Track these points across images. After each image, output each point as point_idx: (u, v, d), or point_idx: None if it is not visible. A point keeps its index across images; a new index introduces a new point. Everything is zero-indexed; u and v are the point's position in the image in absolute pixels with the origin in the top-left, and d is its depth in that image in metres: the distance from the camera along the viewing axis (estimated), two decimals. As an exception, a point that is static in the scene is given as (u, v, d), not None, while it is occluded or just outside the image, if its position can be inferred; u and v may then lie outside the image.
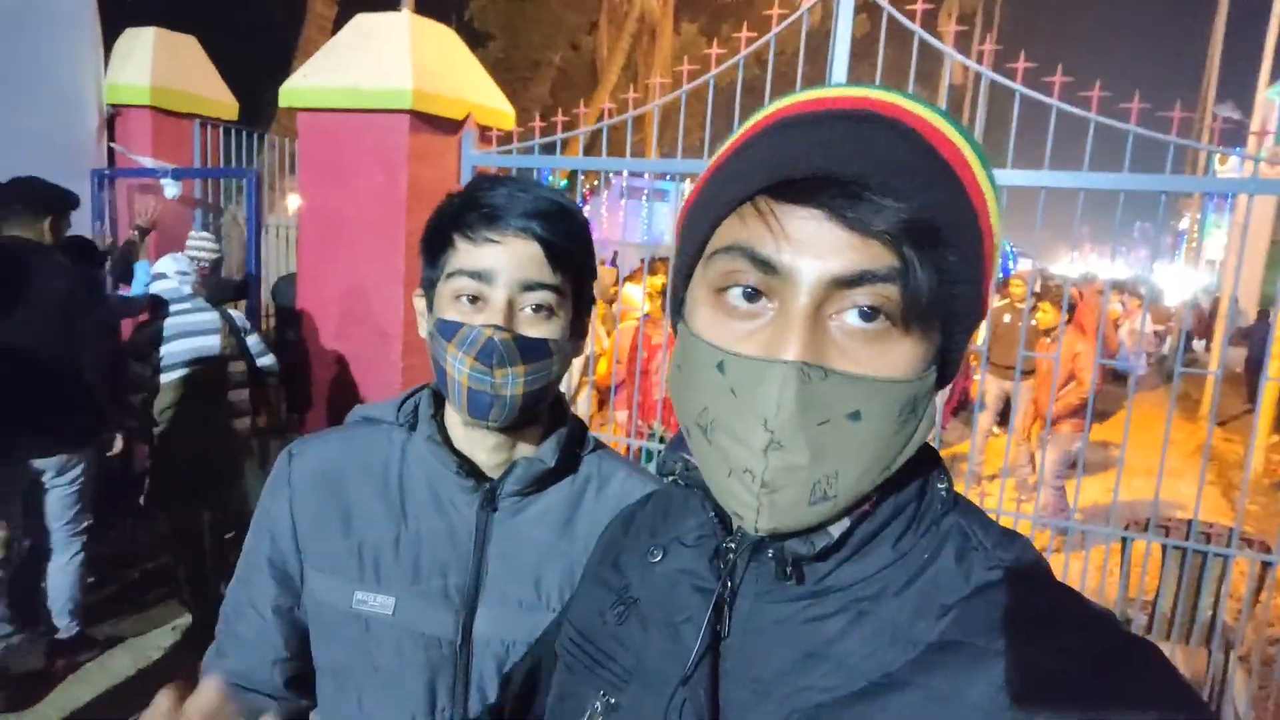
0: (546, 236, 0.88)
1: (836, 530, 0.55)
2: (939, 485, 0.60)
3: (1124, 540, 3.15)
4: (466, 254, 0.89)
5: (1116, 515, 3.06)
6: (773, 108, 0.56)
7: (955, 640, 0.52)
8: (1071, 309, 6.84)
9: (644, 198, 14.57)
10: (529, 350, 0.89)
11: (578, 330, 0.97)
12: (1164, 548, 3.15)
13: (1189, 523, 3.11)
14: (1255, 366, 11.93)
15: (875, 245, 0.50)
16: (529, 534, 0.96)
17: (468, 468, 0.96)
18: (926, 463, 0.60)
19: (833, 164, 0.49)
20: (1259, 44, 12.71)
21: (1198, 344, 15.26)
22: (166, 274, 3.51)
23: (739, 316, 0.54)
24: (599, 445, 1.06)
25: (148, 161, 4.65)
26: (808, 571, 0.58)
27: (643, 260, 3.80)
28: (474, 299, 0.89)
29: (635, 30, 15.05)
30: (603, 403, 5.89)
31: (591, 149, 11.29)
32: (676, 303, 0.62)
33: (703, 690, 0.59)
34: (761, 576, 0.59)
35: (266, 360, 3.72)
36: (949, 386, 0.61)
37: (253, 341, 3.68)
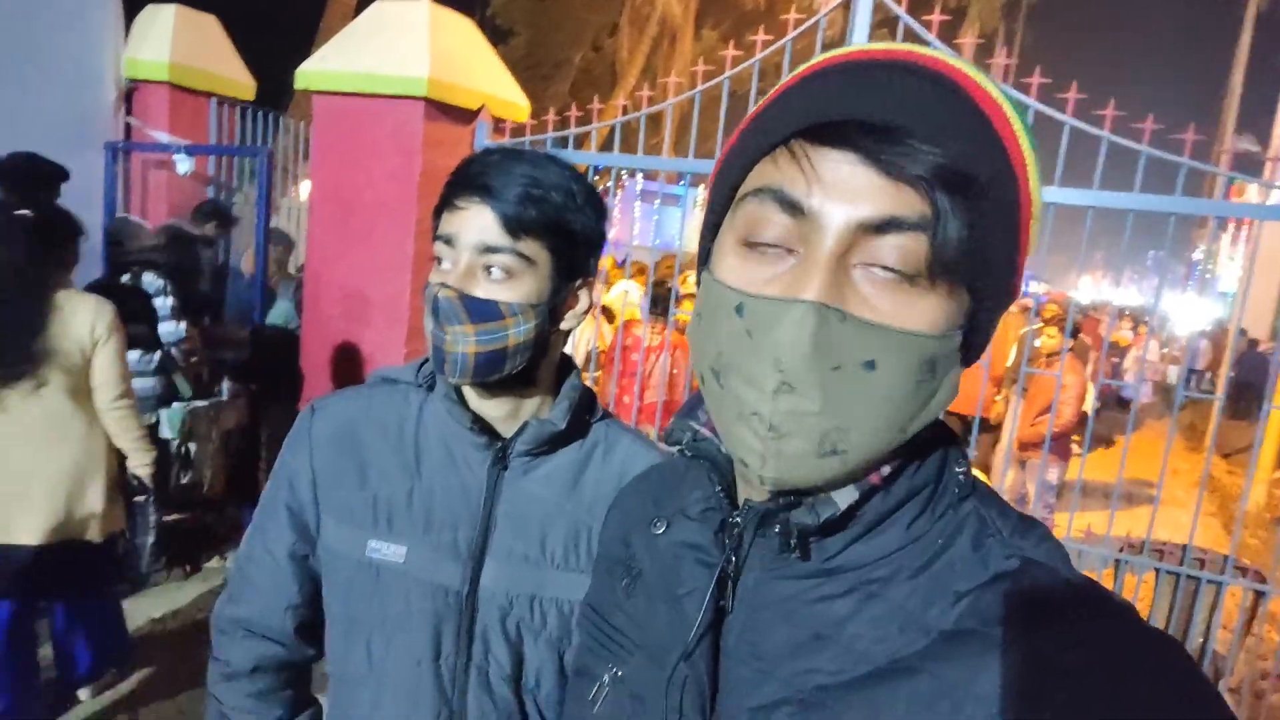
0: (503, 203, 0.91)
1: (843, 501, 0.54)
2: (957, 469, 0.58)
3: (1117, 563, 3.14)
4: (445, 221, 0.95)
5: (1110, 538, 3.04)
6: (814, 61, 0.55)
7: (969, 629, 0.51)
8: (1075, 333, 6.82)
9: (656, 202, 14.57)
10: (475, 310, 0.91)
11: (563, 296, 0.99)
12: (1157, 572, 3.14)
13: (1183, 548, 3.09)
14: (1243, 393, 11.84)
15: (907, 191, 0.48)
16: (536, 493, 1.00)
17: (481, 425, 1.00)
18: (944, 445, 0.58)
19: (870, 108, 0.48)
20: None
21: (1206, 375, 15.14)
22: None
23: (763, 261, 0.53)
24: (607, 414, 1.09)
25: (163, 136, 4.66)
26: (815, 549, 0.56)
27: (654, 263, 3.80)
28: (445, 262, 0.94)
29: (656, 34, 15.06)
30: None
31: (606, 151, 11.30)
32: (704, 253, 0.61)
33: (703, 665, 0.58)
34: (767, 552, 0.58)
35: (167, 327, 3.65)
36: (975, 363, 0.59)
37: (160, 304, 3.62)
